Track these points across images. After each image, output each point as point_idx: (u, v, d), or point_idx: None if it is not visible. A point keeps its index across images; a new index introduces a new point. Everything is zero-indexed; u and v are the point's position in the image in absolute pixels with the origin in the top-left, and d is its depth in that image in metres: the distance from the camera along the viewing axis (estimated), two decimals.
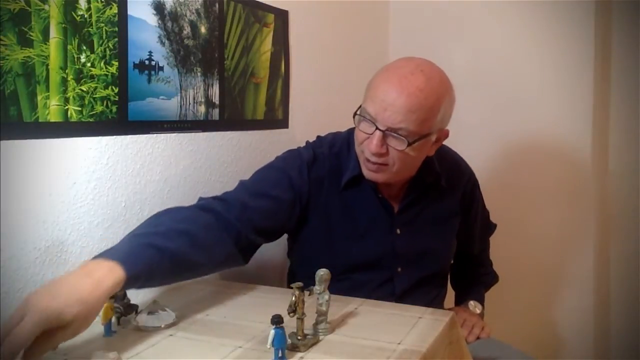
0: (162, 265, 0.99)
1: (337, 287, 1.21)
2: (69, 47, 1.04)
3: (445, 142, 1.54)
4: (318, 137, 1.44)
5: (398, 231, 1.36)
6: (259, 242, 1.25)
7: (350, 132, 1.36)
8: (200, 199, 1.23)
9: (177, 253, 1.02)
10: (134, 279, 0.91)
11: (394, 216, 1.36)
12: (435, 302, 1.43)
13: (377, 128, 1.18)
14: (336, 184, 1.33)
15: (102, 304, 0.86)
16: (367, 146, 1.21)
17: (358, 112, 1.23)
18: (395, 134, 1.18)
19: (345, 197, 1.33)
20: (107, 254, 0.93)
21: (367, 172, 1.27)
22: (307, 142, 1.42)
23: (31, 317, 0.76)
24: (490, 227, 1.67)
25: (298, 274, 1.39)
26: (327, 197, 1.33)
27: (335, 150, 1.36)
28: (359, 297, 1.22)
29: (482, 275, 1.66)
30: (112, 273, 0.88)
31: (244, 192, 1.25)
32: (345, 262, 1.33)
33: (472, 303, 1.56)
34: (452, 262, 1.63)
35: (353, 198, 1.33)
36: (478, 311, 1.55)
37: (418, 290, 1.38)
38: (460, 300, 1.61)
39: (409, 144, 1.18)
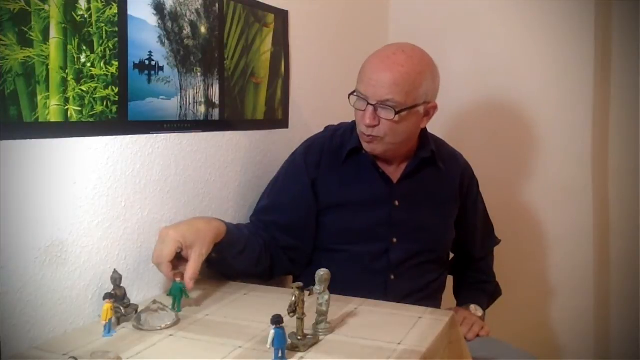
0: (239, 245, 1.29)
1: (335, 258, 1.39)
2: (69, 47, 1.04)
3: (445, 140, 1.55)
4: (327, 127, 1.58)
5: (396, 203, 1.44)
6: (297, 245, 1.42)
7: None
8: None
9: (248, 247, 1.32)
10: (227, 236, 1.23)
11: (392, 187, 1.45)
12: (432, 287, 1.48)
13: (368, 103, 1.33)
14: (337, 159, 1.45)
15: (212, 236, 1.17)
16: (361, 120, 1.36)
17: (354, 93, 1.38)
18: (384, 106, 1.32)
19: (346, 170, 1.45)
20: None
21: (364, 145, 1.41)
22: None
23: (164, 240, 1.12)
24: (493, 238, 1.71)
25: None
26: (328, 169, 1.44)
27: (339, 133, 1.50)
28: (356, 269, 1.39)
29: (484, 283, 1.67)
30: (218, 222, 1.23)
31: (260, 213, 1.45)
32: (343, 230, 1.42)
33: (473, 307, 1.57)
34: (451, 260, 1.65)
35: (354, 171, 1.45)
36: (479, 314, 1.55)
37: (414, 268, 1.44)
38: (462, 305, 1.61)
39: (397, 113, 1.32)
